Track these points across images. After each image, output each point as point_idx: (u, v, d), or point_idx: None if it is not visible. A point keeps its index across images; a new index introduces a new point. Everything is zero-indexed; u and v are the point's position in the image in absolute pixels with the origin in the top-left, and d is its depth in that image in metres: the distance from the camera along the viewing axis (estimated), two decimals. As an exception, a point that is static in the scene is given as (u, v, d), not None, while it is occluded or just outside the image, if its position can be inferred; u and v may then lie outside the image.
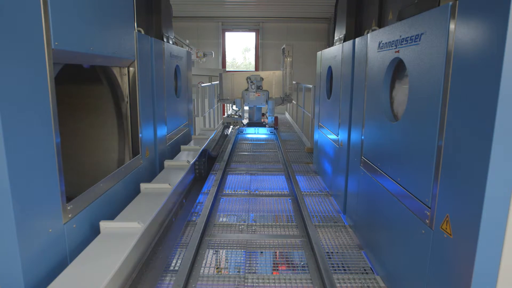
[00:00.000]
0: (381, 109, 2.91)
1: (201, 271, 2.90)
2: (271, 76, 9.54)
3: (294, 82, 10.30)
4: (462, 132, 1.78)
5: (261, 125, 9.38)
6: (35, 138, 1.94)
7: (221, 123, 8.61)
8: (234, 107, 9.89)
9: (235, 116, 9.69)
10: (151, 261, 3.02)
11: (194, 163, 4.91)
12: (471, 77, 1.71)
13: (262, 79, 9.39)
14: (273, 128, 9.13)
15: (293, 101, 10.46)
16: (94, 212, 2.62)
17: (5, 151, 1.68)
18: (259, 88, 9.33)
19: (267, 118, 9.62)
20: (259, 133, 9.10)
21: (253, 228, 3.70)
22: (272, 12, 13.80)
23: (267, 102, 9.28)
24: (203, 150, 5.32)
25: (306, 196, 4.68)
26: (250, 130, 9.19)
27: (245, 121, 9.57)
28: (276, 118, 9.47)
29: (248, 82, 9.41)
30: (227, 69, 14.95)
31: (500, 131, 1.53)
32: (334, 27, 5.17)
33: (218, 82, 9.94)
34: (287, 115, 12.98)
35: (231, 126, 9.53)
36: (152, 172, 4.11)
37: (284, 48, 9.79)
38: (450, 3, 1.89)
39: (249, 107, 9.80)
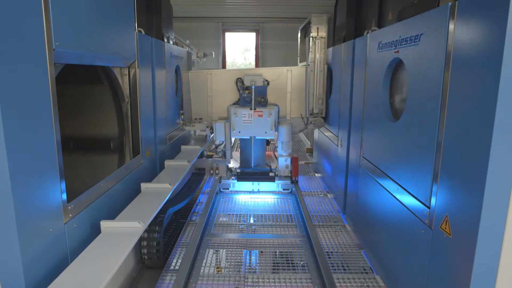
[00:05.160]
0: (380, 109, 2.92)
1: (201, 270, 2.90)
2: (284, 77, 5.14)
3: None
4: (462, 132, 1.79)
5: (265, 176, 4.87)
6: (36, 138, 1.95)
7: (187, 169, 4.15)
8: (215, 139, 5.08)
9: (215, 157, 5.17)
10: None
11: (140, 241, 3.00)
12: (471, 77, 1.72)
13: (267, 83, 5.09)
14: (288, 182, 4.91)
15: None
16: (95, 211, 2.63)
17: (6, 151, 1.68)
18: (261, 102, 4.86)
19: (276, 158, 5.21)
20: (261, 192, 4.85)
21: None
22: (272, 12, 13.77)
23: (276, 128, 4.81)
24: (161, 211, 3.19)
25: (306, 196, 4.68)
26: (243, 186, 4.91)
27: (233, 166, 5.26)
28: (295, 160, 4.91)
29: (238, 89, 5.07)
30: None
31: (499, 131, 1.53)
32: (334, 27, 5.17)
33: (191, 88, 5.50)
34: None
35: (206, 176, 5.16)
36: (153, 172, 4.11)
37: (308, 26, 5.18)
38: (450, 3, 1.90)
39: (241, 139, 5.26)
